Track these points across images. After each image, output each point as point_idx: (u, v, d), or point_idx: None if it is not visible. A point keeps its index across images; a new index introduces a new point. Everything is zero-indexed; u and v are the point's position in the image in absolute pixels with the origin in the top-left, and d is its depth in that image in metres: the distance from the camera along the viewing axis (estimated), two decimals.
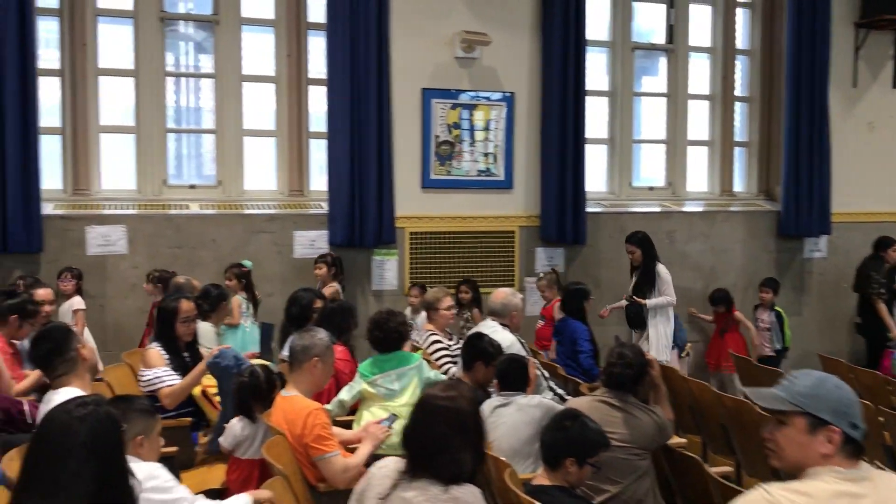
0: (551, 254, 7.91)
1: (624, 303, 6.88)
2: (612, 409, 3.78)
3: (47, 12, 6.77)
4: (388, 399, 4.25)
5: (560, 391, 5.02)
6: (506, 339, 4.95)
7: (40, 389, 4.96)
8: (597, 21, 8.21)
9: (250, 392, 3.97)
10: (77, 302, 6.26)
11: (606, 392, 3.87)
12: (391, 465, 2.62)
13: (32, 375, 4.71)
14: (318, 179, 7.60)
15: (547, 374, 5.07)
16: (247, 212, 7.24)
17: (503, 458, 3.54)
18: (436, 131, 7.56)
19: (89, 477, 2.04)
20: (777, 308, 7.95)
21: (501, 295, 5.38)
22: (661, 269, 6.75)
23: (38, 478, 2.05)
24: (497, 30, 7.55)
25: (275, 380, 4.05)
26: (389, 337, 4.33)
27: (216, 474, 4.14)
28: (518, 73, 7.77)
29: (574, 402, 4.01)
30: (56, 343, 3.52)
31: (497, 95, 7.72)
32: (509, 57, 7.71)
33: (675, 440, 4.19)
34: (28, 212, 6.40)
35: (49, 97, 6.79)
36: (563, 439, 3.21)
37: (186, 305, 4.63)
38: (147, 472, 2.71)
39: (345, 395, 4.39)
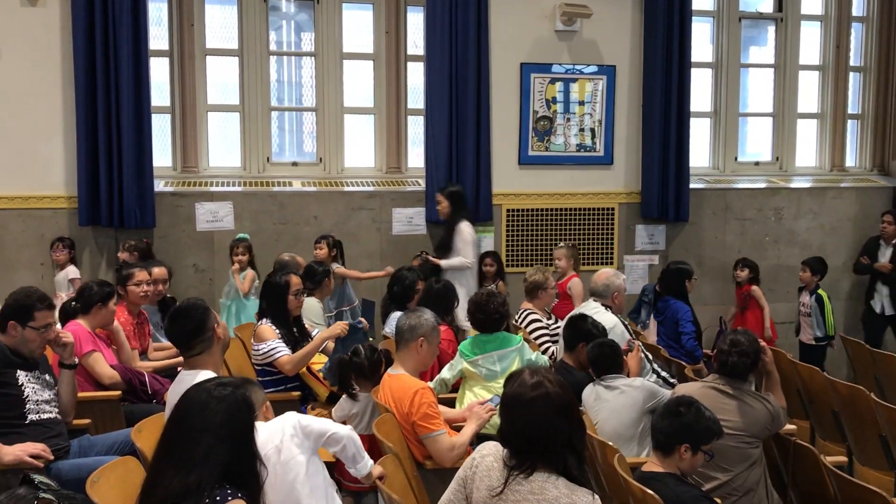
0: (652, 231, 7.75)
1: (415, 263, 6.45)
2: (724, 397, 3.69)
3: None
4: (489, 380, 4.27)
5: (664, 374, 4.94)
6: (608, 321, 4.88)
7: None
8: None
9: (352, 369, 4.04)
10: (72, 271, 6.52)
11: (718, 378, 3.77)
12: (493, 453, 2.60)
13: (166, 354, 4.96)
14: (416, 156, 7.65)
15: (650, 356, 5.00)
16: (346, 189, 7.35)
17: (610, 443, 3.51)
18: (534, 106, 7.47)
19: (223, 456, 2.13)
20: (820, 291, 7.15)
21: (604, 276, 5.31)
22: (465, 227, 6.38)
23: (175, 453, 2.15)
24: (598, 1, 7.37)
25: (379, 357, 4.11)
26: (490, 318, 4.35)
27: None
28: (619, 46, 7.58)
29: (684, 388, 3.93)
30: (195, 322, 3.47)
31: (597, 69, 7.56)
32: (610, 29, 7.53)
33: (786, 427, 4.06)
34: (142, 189, 6.67)
35: (158, 77, 7.02)
36: (677, 425, 3.16)
37: (296, 279, 4.78)
38: (284, 421, 2.84)
39: (446, 373, 4.43)
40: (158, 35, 7.02)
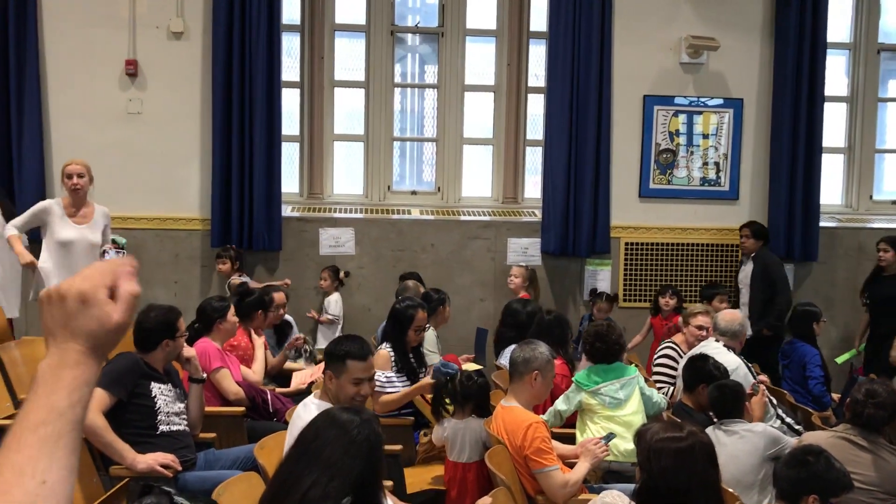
0: None
1: None
2: (857, 449, 3.50)
3: (290, 28, 7.32)
4: (613, 408, 4.19)
5: (789, 420, 4.72)
6: (731, 362, 4.71)
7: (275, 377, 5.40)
8: (836, 22, 7.61)
9: (447, 395, 4.04)
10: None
11: (851, 429, 3.58)
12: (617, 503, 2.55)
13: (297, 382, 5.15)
14: (533, 187, 7.66)
15: (774, 400, 4.78)
16: (463, 218, 7.43)
17: (730, 490, 3.37)
18: (656, 139, 7.36)
19: (359, 472, 2.21)
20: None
21: (738, 317, 5.15)
22: None
23: (314, 463, 2.22)
24: (725, 33, 7.22)
25: (474, 385, 4.05)
26: (611, 349, 4.31)
27: (436, 472, 4.26)
28: (747, 78, 7.38)
29: (812, 437, 3.75)
30: (336, 349, 3.56)
31: (723, 102, 7.38)
32: (738, 61, 7.34)
33: None
34: (270, 213, 6.96)
35: (289, 107, 7.33)
36: (805, 475, 3.01)
37: (422, 315, 4.78)
38: None
39: (561, 405, 4.37)
40: (290, 67, 7.34)
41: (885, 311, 6.45)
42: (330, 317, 6.85)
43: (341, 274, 6.93)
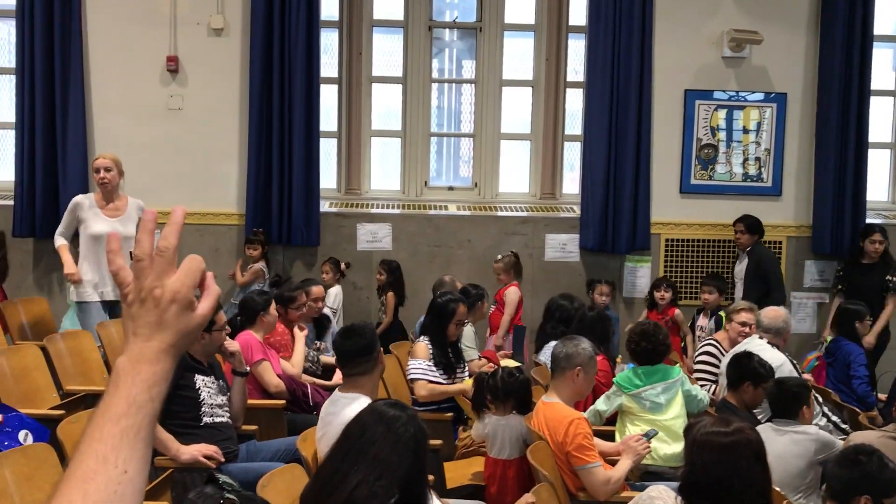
0: (823, 268, 7.30)
1: None
2: None
3: (329, 24, 7.33)
4: (653, 412, 4.14)
5: (835, 418, 4.63)
6: (776, 359, 4.63)
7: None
8: (884, 13, 7.44)
9: (486, 390, 4.02)
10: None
11: None
12: (664, 497, 2.51)
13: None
14: (570, 183, 7.60)
15: (820, 398, 4.70)
16: (500, 214, 7.39)
17: (778, 489, 3.31)
18: (698, 134, 7.26)
19: (406, 469, 2.19)
20: (722, 313, 6.35)
21: (782, 314, 5.06)
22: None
23: (360, 460, 2.21)
24: (769, 26, 7.08)
25: (515, 382, 4.02)
26: (657, 349, 4.24)
27: (475, 468, 4.25)
28: (791, 72, 7.25)
29: (860, 436, 3.67)
30: (365, 342, 3.60)
31: (766, 96, 7.26)
32: (782, 55, 7.21)
33: None
34: (309, 209, 7.00)
35: (327, 103, 7.35)
36: (858, 474, 2.93)
37: (463, 310, 4.81)
38: None
39: (602, 405, 4.33)
40: (329, 63, 7.36)
41: (864, 299, 6.33)
42: (330, 309, 6.81)
43: (342, 266, 6.89)
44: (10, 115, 7.09)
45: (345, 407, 3.40)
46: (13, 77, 7.00)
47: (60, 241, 5.64)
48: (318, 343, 5.65)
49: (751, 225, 6.80)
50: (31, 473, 3.00)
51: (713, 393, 4.92)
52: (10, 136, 7.15)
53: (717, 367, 5.09)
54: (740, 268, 6.85)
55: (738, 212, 7.27)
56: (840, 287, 6.87)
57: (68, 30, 6.83)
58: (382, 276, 6.73)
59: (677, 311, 6.61)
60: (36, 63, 6.81)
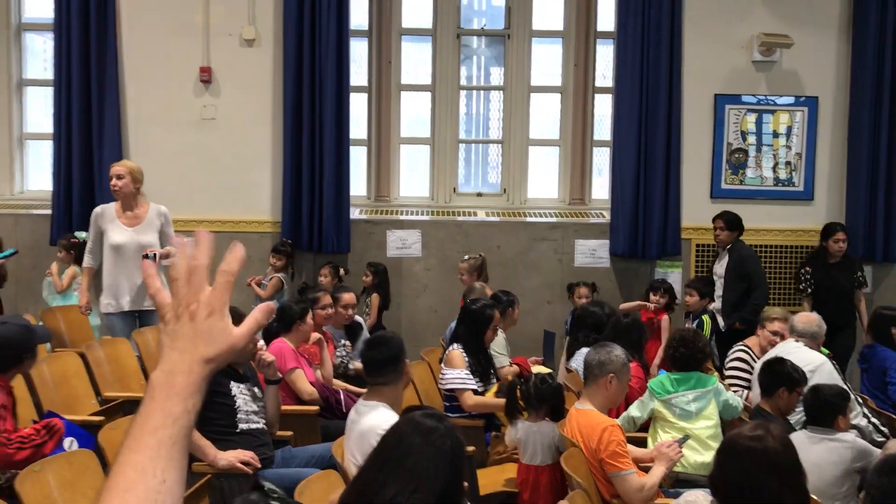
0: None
1: None
2: None
3: (358, 33, 7.40)
4: (683, 419, 4.13)
5: (874, 420, 4.60)
6: (815, 360, 4.60)
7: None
8: None
9: (521, 397, 4.03)
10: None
11: None
12: (700, 503, 2.52)
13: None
14: (599, 188, 7.59)
15: (860, 399, 4.66)
16: (529, 219, 7.40)
17: (814, 496, 3.28)
18: (728, 138, 7.22)
19: (443, 483, 2.19)
20: (706, 316, 6.36)
21: (814, 318, 5.02)
22: None
23: (397, 472, 2.21)
24: (799, 30, 7.04)
25: (548, 388, 4.03)
26: (695, 357, 4.23)
27: (508, 474, 4.26)
28: (823, 76, 7.19)
29: None
30: (392, 352, 3.63)
31: (796, 100, 7.20)
32: (813, 58, 7.16)
33: None
34: (339, 216, 7.06)
35: (357, 111, 7.40)
36: None
37: (497, 314, 4.87)
38: None
39: (635, 411, 4.33)
40: (358, 72, 7.42)
41: (833, 299, 6.27)
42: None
43: (341, 271, 6.86)
44: (48, 126, 7.23)
45: (364, 415, 3.47)
46: (51, 89, 7.14)
47: (86, 262, 5.68)
48: (346, 343, 5.69)
49: (730, 221, 6.67)
50: (74, 479, 3.06)
51: (746, 399, 4.89)
52: (47, 147, 7.30)
53: (750, 372, 5.06)
54: (720, 265, 6.74)
55: (769, 216, 7.24)
56: (808, 289, 6.79)
57: (104, 43, 6.97)
58: (368, 277, 6.73)
59: (665, 316, 6.49)
60: (73, 75, 6.96)
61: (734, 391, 4.99)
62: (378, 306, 6.62)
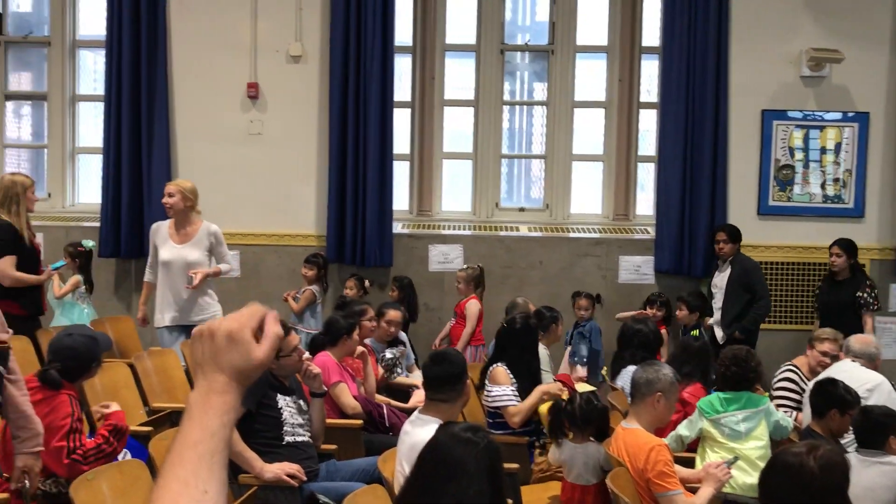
0: None
1: None
2: None
3: (402, 49, 7.45)
4: (732, 440, 4.06)
5: None
6: (873, 379, 4.50)
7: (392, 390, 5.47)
8: None
9: (564, 416, 3.99)
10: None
11: None
12: None
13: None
14: (643, 204, 7.53)
15: None
16: (572, 235, 7.37)
17: None
18: (776, 154, 7.12)
19: (487, 499, 2.18)
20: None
21: (871, 340, 4.93)
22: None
23: (438, 486, 2.22)
24: (849, 45, 6.92)
25: (594, 408, 3.98)
26: (746, 376, 4.16)
27: (552, 492, 4.22)
28: (873, 91, 7.06)
29: None
30: (457, 371, 3.64)
31: (844, 115, 7.08)
32: (863, 73, 7.04)
33: None
34: (382, 230, 7.10)
35: (400, 126, 7.45)
36: None
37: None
38: None
39: (684, 430, 4.27)
40: (402, 87, 7.47)
41: (836, 317, 6.14)
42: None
43: (366, 283, 6.88)
44: (98, 141, 7.40)
45: (418, 427, 3.46)
46: (102, 104, 7.31)
47: (146, 277, 5.87)
48: (403, 348, 5.71)
49: (733, 234, 6.67)
50: (125, 488, 3.10)
51: (795, 420, 4.79)
52: (97, 161, 7.46)
53: (799, 392, 4.96)
54: (721, 277, 6.67)
55: (818, 234, 7.10)
56: (815, 304, 6.73)
57: (154, 59, 7.12)
58: (395, 292, 6.78)
59: (663, 329, 6.46)
60: (123, 91, 7.12)
61: (784, 412, 4.90)
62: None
